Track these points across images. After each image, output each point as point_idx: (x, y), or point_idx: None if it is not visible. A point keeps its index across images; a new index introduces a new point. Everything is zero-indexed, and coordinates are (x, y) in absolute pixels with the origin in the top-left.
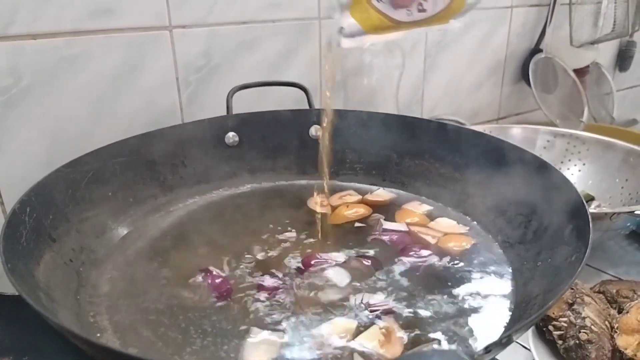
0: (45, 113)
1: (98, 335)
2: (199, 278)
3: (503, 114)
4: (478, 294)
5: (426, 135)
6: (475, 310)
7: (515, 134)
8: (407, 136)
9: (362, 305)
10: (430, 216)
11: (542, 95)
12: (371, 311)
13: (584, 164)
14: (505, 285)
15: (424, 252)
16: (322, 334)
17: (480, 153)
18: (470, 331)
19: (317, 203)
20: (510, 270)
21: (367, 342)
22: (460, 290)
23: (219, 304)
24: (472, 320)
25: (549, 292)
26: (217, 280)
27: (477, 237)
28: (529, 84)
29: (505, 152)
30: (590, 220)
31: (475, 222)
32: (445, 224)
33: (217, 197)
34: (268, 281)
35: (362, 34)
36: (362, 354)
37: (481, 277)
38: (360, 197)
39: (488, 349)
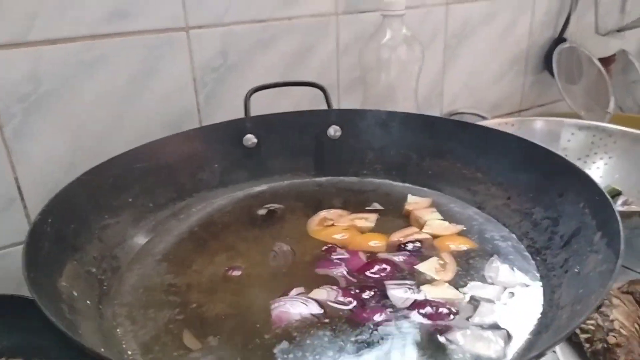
0: (65, 118)
1: (121, 347)
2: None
3: (525, 106)
4: (505, 297)
5: (447, 135)
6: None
7: (538, 127)
8: (428, 135)
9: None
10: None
11: (566, 85)
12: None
13: (610, 157)
14: (534, 292)
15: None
16: None
17: (503, 153)
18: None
19: (316, 225)
20: (538, 276)
21: (425, 268)
22: (487, 294)
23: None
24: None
25: (578, 303)
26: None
27: (502, 239)
28: (552, 75)
29: (530, 153)
30: (621, 228)
31: (501, 224)
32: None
33: (236, 200)
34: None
35: None
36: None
37: (507, 282)
38: (372, 225)
39: None
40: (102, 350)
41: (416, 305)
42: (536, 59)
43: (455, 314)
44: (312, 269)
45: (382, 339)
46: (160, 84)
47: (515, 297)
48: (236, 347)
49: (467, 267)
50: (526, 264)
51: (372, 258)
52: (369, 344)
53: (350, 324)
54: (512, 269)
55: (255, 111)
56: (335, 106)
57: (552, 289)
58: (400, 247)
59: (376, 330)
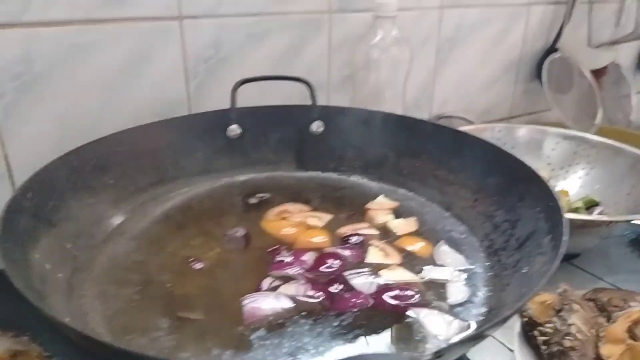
0: (56, 99)
1: (87, 319)
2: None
3: (516, 113)
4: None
5: (424, 136)
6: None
7: (522, 134)
8: (405, 136)
9: None
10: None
11: (555, 95)
12: None
13: (592, 168)
14: (483, 290)
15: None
16: None
17: (474, 156)
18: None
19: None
20: (491, 275)
21: (374, 257)
22: (441, 275)
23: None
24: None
25: (518, 301)
26: None
27: (464, 241)
28: None
29: (497, 157)
30: (566, 232)
31: (464, 226)
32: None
33: (216, 187)
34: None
35: None
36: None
37: (460, 280)
38: (321, 225)
39: (438, 354)
40: (67, 319)
41: (383, 289)
42: (528, 68)
43: (419, 293)
44: (266, 257)
45: (357, 323)
46: (151, 71)
47: (468, 279)
48: (207, 330)
49: (413, 256)
50: (482, 265)
51: (320, 254)
52: (346, 329)
53: (324, 313)
54: (459, 252)
55: (245, 103)
56: (324, 103)
57: (502, 287)
58: (343, 241)
59: (351, 316)
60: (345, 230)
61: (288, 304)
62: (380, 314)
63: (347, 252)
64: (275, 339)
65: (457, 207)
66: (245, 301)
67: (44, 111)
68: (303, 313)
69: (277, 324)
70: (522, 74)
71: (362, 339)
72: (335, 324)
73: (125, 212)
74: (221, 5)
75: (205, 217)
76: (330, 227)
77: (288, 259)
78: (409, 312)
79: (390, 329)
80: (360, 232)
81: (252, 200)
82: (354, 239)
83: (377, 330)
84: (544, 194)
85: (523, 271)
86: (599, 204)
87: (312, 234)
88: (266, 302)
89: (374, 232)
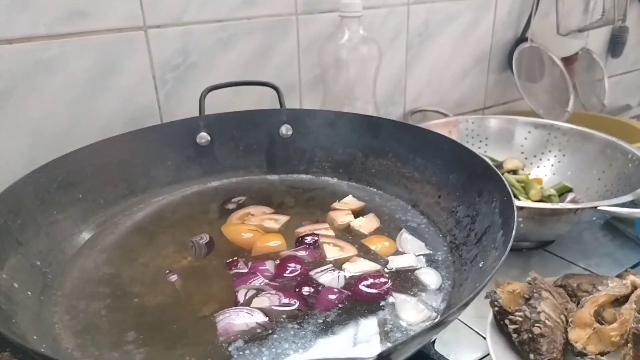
0: (25, 114)
1: (56, 335)
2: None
3: (489, 104)
4: (415, 287)
5: (389, 135)
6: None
7: (494, 125)
8: (372, 135)
9: None
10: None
11: (527, 84)
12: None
13: (563, 155)
14: (447, 283)
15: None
16: None
17: (437, 153)
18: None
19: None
20: (453, 269)
21: (332, 253)
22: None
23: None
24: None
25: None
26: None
27: (427, 232)
28: None
29: (458, 153)
30: (514, 229)
31: (430, 222)
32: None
33: (188, 195)
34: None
35: None
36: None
37: (423, 265)
38: (277, 227)
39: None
40: (35, 337)
41: (356, 281)
42: (499, 58)
43: (389, 279)
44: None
45: (341, 318)
46: (120, 82)
47: (431, 262)
48: (180, 342)
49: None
50: (445, 259)
51: (280, 260)
52: (330, 326)
53: (305, 316)
54: (421, 240)
55: (216, 109)
56: (297, 104)
57: (461, 282)
58: (298, 242)
59: (334, 312)
60: (301, 230)
61: (262, 318)
62: (360, 305)
63: (304, 253)
64: (254, 347)
65: (422, 203)
66: (219, 317)
67: (12, 127)
68: (283, 317)
69: (257, 335)
70: (493, 64)
71: (343, 334)
72: (320, 321)
73: (95, 225)
74: (185, 14)
75: (177, 226)
76: (288, 229)
77: (247, 271)
78: (388, 299)
79: (371, 319)
80: (316, 231)
81: (230, 206)
82: (308, 239)
83: (360, 320)
84: (499, 188)
85: (479, 265)
86: (572, 190)
87: (267, 239)
88: (239, 318)
89: (330, 232)
